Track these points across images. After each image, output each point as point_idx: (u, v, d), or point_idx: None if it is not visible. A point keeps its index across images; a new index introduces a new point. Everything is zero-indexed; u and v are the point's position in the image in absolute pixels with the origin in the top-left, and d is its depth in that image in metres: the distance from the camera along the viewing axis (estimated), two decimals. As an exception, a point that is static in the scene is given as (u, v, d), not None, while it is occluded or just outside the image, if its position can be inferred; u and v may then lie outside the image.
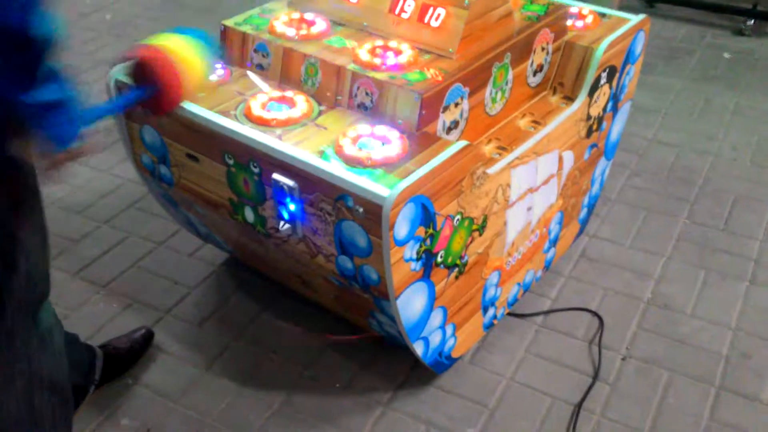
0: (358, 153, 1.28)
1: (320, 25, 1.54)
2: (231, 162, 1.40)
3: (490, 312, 1.69)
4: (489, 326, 1.72)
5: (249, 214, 1.45)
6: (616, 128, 1.89)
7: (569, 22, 1.72)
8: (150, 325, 1.75)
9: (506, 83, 1.55)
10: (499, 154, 1.51)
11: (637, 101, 2.70)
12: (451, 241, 1.39)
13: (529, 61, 1.59)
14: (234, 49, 1.56)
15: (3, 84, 0.89)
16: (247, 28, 1.55)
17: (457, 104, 1.42)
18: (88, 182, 2.26)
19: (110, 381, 1.62)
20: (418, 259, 1.31)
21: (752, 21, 3.23)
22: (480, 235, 1.48)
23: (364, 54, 1.43)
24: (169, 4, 3.50)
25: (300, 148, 1.31)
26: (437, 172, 1.26)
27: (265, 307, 1.83)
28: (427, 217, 1.27)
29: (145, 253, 1.99)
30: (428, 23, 1.46)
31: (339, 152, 1.29)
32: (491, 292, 1.65)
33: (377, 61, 1.41)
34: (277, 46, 1.50)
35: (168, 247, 2.00)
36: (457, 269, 1.45)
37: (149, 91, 1.22)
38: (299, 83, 1.48)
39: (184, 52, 1.24)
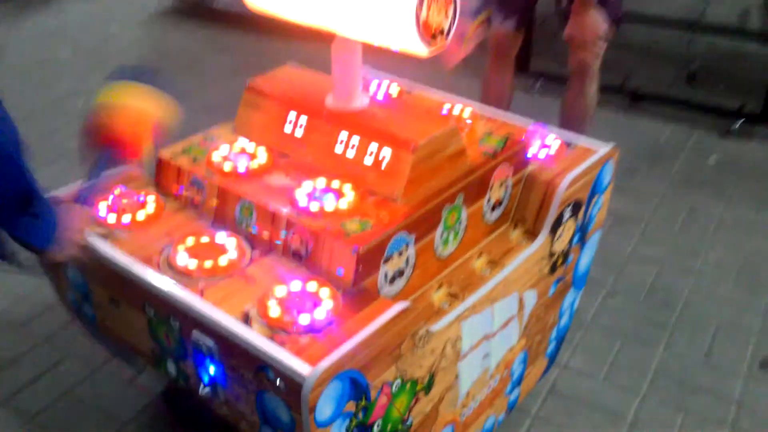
0: (283, 318, 1.16)
1: (261, 158, 1.45)
2: (151, 313, 1.28)
3: (443, 467, 1.55)
4: (442, 482, 1.57)
5: (171, 368, 1.32)
6: (585, 259, 1.77)
7: (531, 152, 1.63)
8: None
9: (459, 223, 1.44)
10: (449, 304, 1.39)
11: (616, 209, 2.59)
12: (390, 409, 1.25)
13: (486, 198, 1.49)
14: (169, 180, 1.46)
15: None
16: (183, 161, 1.45)
17: (401, 253, 1.31)
18: (33, 292, 2.14)
19: None
20: (348, 436, 1.18)
21: (740, 122, 3.16)
22: (426, 394, 1.35)
23: (301, 197, 1.32)
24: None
25: (222, 306, 1.19)
26: (371, 342, 1.14)
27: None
28: (357, 391, 1.14)
29: (81, 379, 1.85)
30: (372, 165, 1.36)
31: (263, 314, 1.17)
32: (443, 448, 1.51)
33: (315, 206, 1.30)
34: (212, 184, 1.40)
35: (106, 373, 1.87)
36: (398, 435, 1.32)
37: (111, 153, 1.29)
38: (234, 224, 1.38)
39: (130, 103, 1.29)
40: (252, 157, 1.45)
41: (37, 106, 3.25)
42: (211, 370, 1.21)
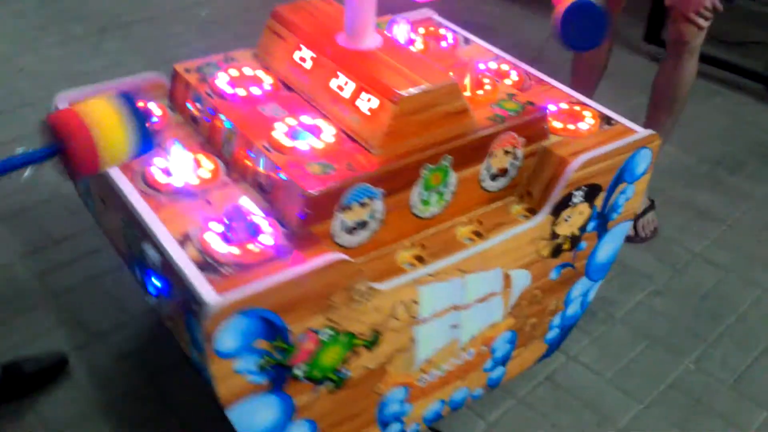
0: (217, 246, 1.17)
1: (265, 86, 1.44)
2: (124, 219, 1.34)
3: (395, 427, 1.52)
4: (395, 439, 1.56)
5: (137, 273, 1.38)
6: (606, 249, 1.63)
7: (559, 123, 1.50)
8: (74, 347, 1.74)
9: (445, 186, 1.37)
10: (412, 266, 1.34)
11: (700, 203, 2.38)
12: (319, 356, 1.24)
13: (484, 165, 1.40)
14: (178, 94, 1.50)
15: None
16: (192, 77, 1.48)
17: (363, 204, 1.27)
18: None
19: (7, 401, 1.62)
20: (261, 372, 1.18)
21: None
22: (369, 350, 1.32)
23: (279, 132, 1.31)
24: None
25: (172, 224, 1.22)
26: (292, 285, 1.13)
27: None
28: (271, 331, 1.14)
29: (109, 270, 1.98)
30: (359, 111, 1.31)
31: (201, 239, 1.19)
32: (394, 407, 1.48)
33: (288, 142, 1.29)
34: (209, 103, 1.41)
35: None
36: (331, 383, 1.30)
37: (54, 150, 1.08)
38: (219, 146, 1.39)
39: (103, 116, 1.09)
40: (256, 83, 1.45)
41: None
42: (157, 283, 1.26)
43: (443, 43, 1.75)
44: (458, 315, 1.44)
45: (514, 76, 1.66)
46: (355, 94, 1.33)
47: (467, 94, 1.45)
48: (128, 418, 1.64)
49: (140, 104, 1.19)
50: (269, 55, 1.53)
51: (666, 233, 2.25)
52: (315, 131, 1.32)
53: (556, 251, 1.52)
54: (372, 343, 1.32)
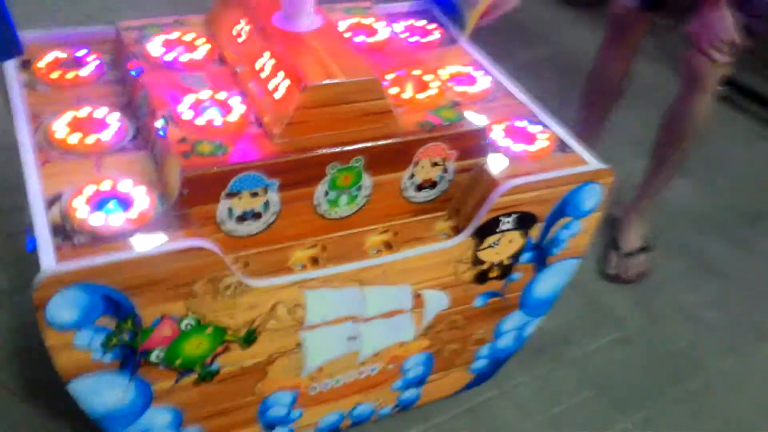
0: (80, 213, 1.11)
1: (196, 55, 1.37)
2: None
3: (282, 431, 1.45)
4: (282, 445, 1.48)
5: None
6: (546, 284, 1.50)
7: (507, 141, 1.38)
8: None
9: (358, 189, 1.27)
10: (303, 267, 1.25)
11: (707, 254, 2.19)
12: (179, 344, 1.18)
13: (407, 173, 1.29)
14: (116, 49, 1.45)
15: None
16: (130, 36, 1.42)
17: (255, 194, 1.19)
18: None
19: None
20: (107, 351, 1.12)
21: None
22: (243, 348, 1.25)
23: (186, 104, 1.24)
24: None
25: (51, 183, 1.16)
26: (138, 266, 1.06)
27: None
28: (116, 309, 1.08)
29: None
30: (272, 94, 1.23)
31: (69, 203, 1.13)
32: (279, 411, 1.40)
33: (190, 115, 1.22)
34: (135, 66, 1.36)
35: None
36: (195, 375, 1.24)
37: None
38: (136, 110, 1.34)
39: None
40: (189, 51, 1.38)
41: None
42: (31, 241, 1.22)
43: (428, 38, 1.63)
44: (356, 327, 1.34)
45: (482, 84, 1.53)
46: (270, 77, 1.24)
47: (406, 95, 1.34)
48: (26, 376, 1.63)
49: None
50: (215, 24, 1.46)
51: (656, 279, 2.08)
52: (224, 109, 1.25)
53: (481, 278, 1.40)
54: (246, 341, 1.24)
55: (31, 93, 1.35)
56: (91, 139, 1.25)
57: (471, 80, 1.53)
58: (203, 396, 1.29)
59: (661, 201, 2.15)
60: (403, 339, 1.43)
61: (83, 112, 1.30)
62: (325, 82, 1.18)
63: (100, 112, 1.30)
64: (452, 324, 1.46)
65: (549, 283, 1.50)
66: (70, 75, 1.39)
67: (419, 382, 1.55)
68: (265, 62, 1.27)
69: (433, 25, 1.69)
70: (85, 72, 1.40)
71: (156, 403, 1.25)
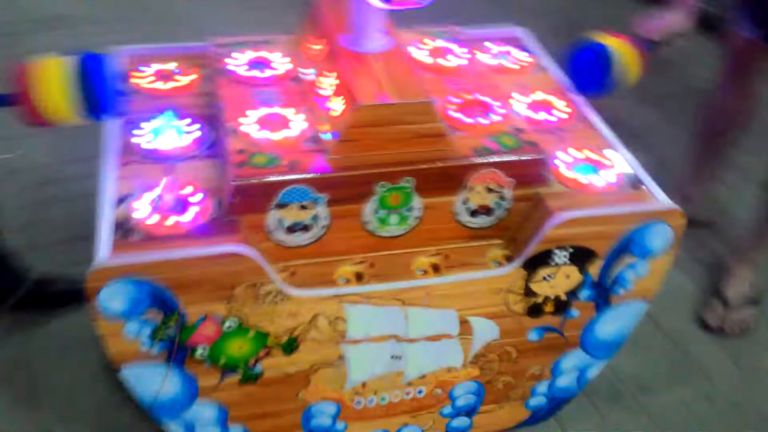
0: (137, 213, 1.19)
1: (274, 72, 1.44)
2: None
3: (326, 441, 1.48)
4: (327, 455, 1.51)
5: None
6: (610, 326, 1.43)
7: (572, 172, 1.34)
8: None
9: (409, 210, 1.28)
10: (348, 282, 1.28)
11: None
12: (222, 343, 1.24)
13: (459, 197, 1.29)
14: (208, 65, 1.55)
15: None
16: (218, 52, 1.52)
17: (304, 206, 1.23)
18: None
19: (30, 311, 1.80)
20: (155, 343, 1.20)
21: None
22: (286, 354, 1.29)
23: (252, 118, 1.31)
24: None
25: (123, 183, 1.26)
26: (182, 266, 1.13)
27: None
28: (161, 304, 1.16)
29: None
30: (330, 112, 1.27)
31: (131, 203, 1.22)
32: (323, 420, 1.43)
33: (251, 129, 1.28)
34: (215, 80, 1.45)
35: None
36: (239, 374, 1.29)
37: (7, 98, 1.19)
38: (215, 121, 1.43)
39: (47, 77, 1.17)
40: (267, 68, 1.46)
41: None
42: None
43: (514, 64, 1.62)
44: (400, 347, 1.35)
45: (561, 113, 1.50)
46: (332, 95, 1.29)
47: (469, 120, 1.34)
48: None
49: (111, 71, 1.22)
50: (298, 44, 1.53)
51: (761, 336, 1.91)
52: (286, 124, 1.30)
53: (534, 311, 1.36)
54: (287, 348, 1.29)
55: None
56: (168, 146, 1.35)
57: (550, 108, 1.51)
58: (247, 396, 1.34)
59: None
60: (451, 364, 1.41)
61: (163, 119, 1.40)
62: (377, 102, 1.21)
63: (183, 121, 1.41)
64: (505, 355, 1.43)
65: (613, 324, 1.43)
66: (164, 85, 1.51)
67: (469, 411, 1.52)
68: (329, 81, 1.32)
69: (524, 54, 1.67)
70: (179, 83, 1.52)
71: (202, 398, 1.32)
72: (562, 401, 1.57)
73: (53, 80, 1.17)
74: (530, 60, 1.65)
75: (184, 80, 1.53)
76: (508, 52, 1.67)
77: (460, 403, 1.49)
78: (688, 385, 1.75)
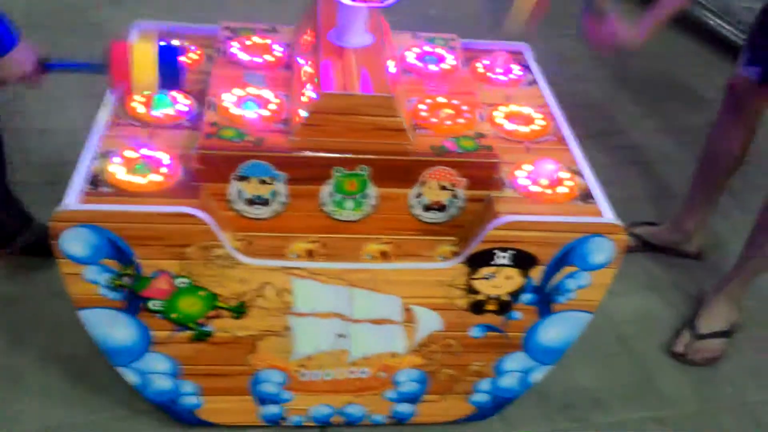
0: (110, 168, 1.30)
1: (271, 57, 1.54)
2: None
3: (272, 408, 1.56)
4: (273, 421, 1.59)
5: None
6: (553, 333, 1.47)
7: (526, 180, 1.39)
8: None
9: (364, 197, 1.36)
10: (298, 257, 1.36)
11: None
12: (174, 299, 1.34)
13: (414, 191, 1.36)
14: (213, 46, 1.65)
15: None
16: (225, 34, 1.62)
17: (264, 181, 1.32)
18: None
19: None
20: (113, 290, 1.31)
21: None
22: (235, 317, 1.38)
23: (233, 95, 1.40)
24: None
25: (108, 142, 1.37)
26: (136, 219, 1.23)
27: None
28: (117, 253, 1.26)
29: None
30: (302, 97, 1.36)
31: (110, 160, 1.33)
32: (269, 387, 1.51)
33: (229, 104, 1.37)
34: (215, 59, 1.55)
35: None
36: (191, 331, 1.39)
37: (103, 67, 1.40)
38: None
39: (142, 58, 1.39)
40: (262, 53, 1.56)
41: None
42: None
43: (503, 76, 1.68)
44: (345, 326, 1.43)
45: (535, 126, 1.55)
46: (307, 82, 1.38)
47: (434, 120, 1.41)
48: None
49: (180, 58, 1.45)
50: (295, 34, 1.62)
51: (726, 368, 1.91)
52: (262, 105, 1.40)
53: (476, 308, 1.42)
54: (237, 311, 1.38)
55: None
56: (157, 114, 1.46)
57: (527, 120, 1.56)
58: (198, 353, 1.44)
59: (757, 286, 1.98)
60: (395, 350, 1.48)
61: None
62: (341, 92, 1.29)
63: (179, 95, 1.52)
64: (447, 347, 1.49)
65: (555, 331, 1.48)
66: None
67: (414, 398, 1.58)
68: (308, 70, 1.41)
69: (518, 67, 1.73)
70: (187, 61, 1.63)
71: (154, 348, 1.42)
72: (505, 401, 1.62)
73: (147, 62, 1.38)
74: (520, 74, 1.71)
75: (193, 57, 1.64)
76: (505, 65, 1.72)
77: (403, 388, 1.56)
78: (642, 407, 1.77)
